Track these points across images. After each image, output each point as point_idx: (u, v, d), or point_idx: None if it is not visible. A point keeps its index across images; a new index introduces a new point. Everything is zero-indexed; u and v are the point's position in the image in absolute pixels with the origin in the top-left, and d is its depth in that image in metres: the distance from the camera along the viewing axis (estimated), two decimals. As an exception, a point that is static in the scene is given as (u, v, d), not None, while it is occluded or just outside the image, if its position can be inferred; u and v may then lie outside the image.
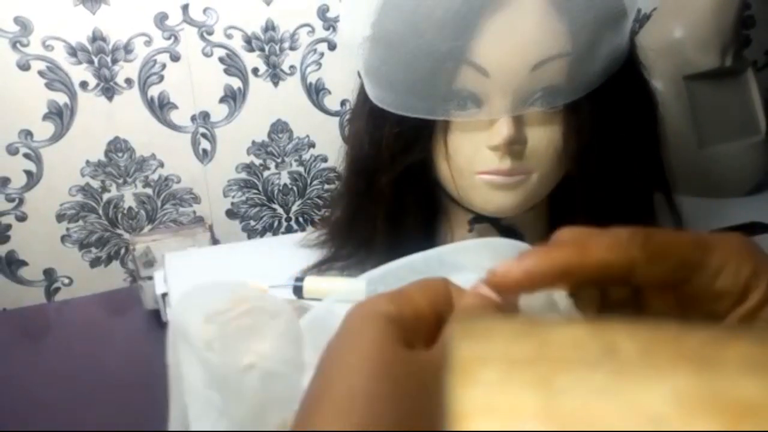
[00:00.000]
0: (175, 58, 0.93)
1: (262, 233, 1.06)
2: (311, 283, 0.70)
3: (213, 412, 0.57)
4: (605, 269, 0.26)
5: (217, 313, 0.65)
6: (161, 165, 0.97)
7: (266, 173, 1.02)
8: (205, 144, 0.98)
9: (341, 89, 1.00)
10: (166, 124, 0.95)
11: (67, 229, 0.96)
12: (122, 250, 1.00)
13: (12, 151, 0.91)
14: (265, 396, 0.48)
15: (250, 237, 1.05)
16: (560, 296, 0.29)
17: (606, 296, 0.30)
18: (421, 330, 0.27)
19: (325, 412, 0.24)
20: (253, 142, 1.00)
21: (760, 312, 0.27)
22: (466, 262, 0.55)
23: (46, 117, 0.90)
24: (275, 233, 1.06)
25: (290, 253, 0.80)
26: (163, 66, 0.93)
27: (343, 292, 0.58)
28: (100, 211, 0.97)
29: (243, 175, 1.01)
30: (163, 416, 0.51)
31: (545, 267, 0.26)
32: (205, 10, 0.92)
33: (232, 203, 1.03)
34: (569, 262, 0.26)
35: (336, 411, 0.24)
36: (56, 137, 0.91)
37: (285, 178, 1.03)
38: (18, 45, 0.87)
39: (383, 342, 0.25)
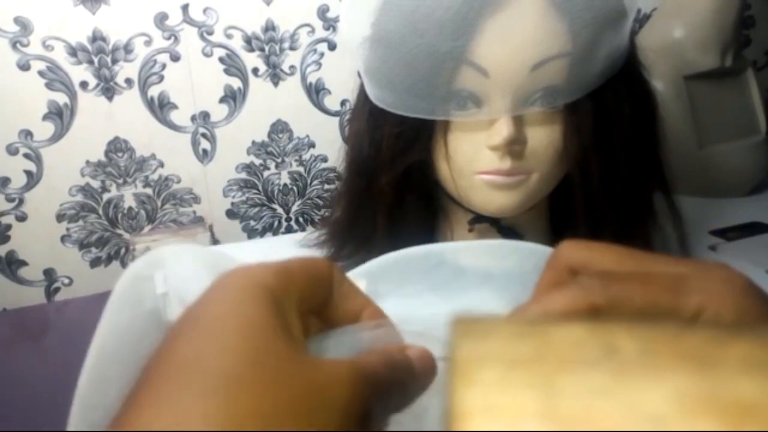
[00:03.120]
0: (175, 58, 0.93)
1: (262, 233, 1.06)
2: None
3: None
4: (568, 317, 0.27)
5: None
6: (161, 165, 0.97)
7: (266, 173, 1.02)
8: (205, 144, 0.98)
9: (341, 89, 1.00)
10: (166, 124, 0.95)
11: (67, 229, 0.96)
12: (122, 250, 1.00)
13: (12, 151, 0.90)
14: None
15: (250, 237, 1.05)
16: None
17: None
18: (300, 318, 0.25)
19: (180, 386, 0.19)
20: (253, 142, 1.00)
21: None
22: (465, 262, 0.55)
23: (46, 117, 0.90)
24: (275, 233, 1.06)
25: (290, 253, 0.80)
26: (163, 66, 0.93)
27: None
28: (100, 211, 0.97)
29: (243, 175, 1.01)
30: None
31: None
32: (205, 10, 0.92)
33: (232, 203, 1.02)
34: (535, 314, 0.27)
35: (197, 391, 0.19)
36: (56, 137, 0.91)
37: (285, 178, 1.03)
38: (18, 45, 0.87)
39: (268, 325, 0.22)
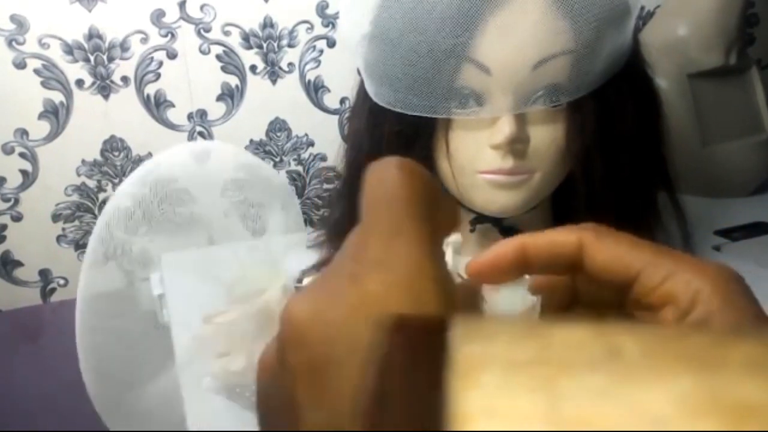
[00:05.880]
0: (172, 55, 0.92)
1: (260, 233, 1.05)
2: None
3: (212, 413, 0.57)
4: (554, 246, 0.28)
5: (215, 313, 0.64)
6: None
7: (265, 173, 1.02)
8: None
9: (341, 87, 0.99)
10: (163, 122, 0.95)
11: (63, 229, 0.96)
12: (118, 251, 0.99)
13: (7, 150, 0.90)
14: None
15: (248, 237, 1.05)
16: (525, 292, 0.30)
17: (576, 299, 0.30)
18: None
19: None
20: (251, 141, 0.99)
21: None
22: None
23: (41, 116, 0.90)
24: (274, 233, 1.06)
25: (289, 254, 0.79)
26: (160, 64, 0.92)
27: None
28: (96, 211, 0.96)
29: (241, 175, 1.01)
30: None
31: (503, 250, 0.28)
32: (202, 7, 0.91)
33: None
34: (523, 241, 0.28)
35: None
36: (52, 136, 0.91)
37: (283, 178, 1.03)
38: (14, 43, 0.86)
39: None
